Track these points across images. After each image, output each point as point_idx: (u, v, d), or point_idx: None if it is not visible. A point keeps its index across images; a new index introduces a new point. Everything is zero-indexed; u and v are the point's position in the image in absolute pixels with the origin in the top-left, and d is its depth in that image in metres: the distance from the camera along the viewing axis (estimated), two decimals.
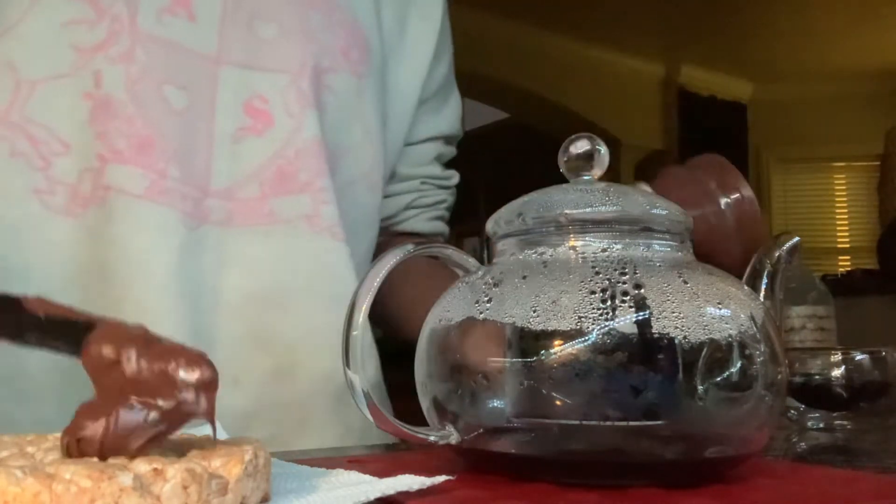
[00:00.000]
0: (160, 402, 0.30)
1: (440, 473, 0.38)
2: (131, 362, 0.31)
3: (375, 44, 0.71)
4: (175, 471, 0.27)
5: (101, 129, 0.57)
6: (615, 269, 0.38)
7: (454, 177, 0.83)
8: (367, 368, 0.67)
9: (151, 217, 0.57)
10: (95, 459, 0.29)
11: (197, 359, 0.32)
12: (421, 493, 0.35)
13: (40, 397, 0.56)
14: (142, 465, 0.27)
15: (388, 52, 0.73)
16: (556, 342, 0.36)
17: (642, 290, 0.37)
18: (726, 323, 0.38)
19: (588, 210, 0.41)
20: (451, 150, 0.84)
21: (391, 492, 0.34)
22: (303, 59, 0.64)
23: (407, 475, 0.35)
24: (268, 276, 0.61)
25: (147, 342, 0.32)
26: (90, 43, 0.58)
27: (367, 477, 0.36)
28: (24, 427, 0.50)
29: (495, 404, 0.39)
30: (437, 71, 0.78)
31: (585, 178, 0.44)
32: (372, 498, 0.33)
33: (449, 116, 0.81)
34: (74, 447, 0.30)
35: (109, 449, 0.29)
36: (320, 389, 0.62)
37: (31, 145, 0.57)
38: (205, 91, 0.60)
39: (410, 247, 0.42)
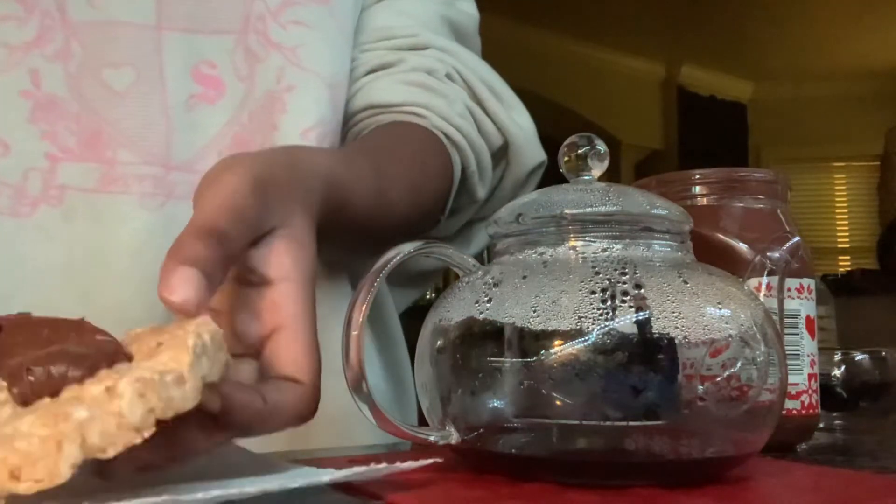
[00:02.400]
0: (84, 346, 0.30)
1: (441, 473, 0.38)
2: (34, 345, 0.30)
3: None
4: (125, 384, 0.27)
5: (49, 128, 0.56)
6: (615, 269, 0.38)
7: (419, 35, 0.66)
8: (396, 353, 0.67)
9: (105, 208, 0.56)
10: (48, 400, 0.28)
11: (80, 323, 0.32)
12: (420, 492, 0.35)
13: None
14: (93, 388, 0.27)
15: None
16: (556, 342, 0.36)
17: (642, 290, 0.37)
18: (726, 323, 0.38)
19: (588, 210, 0.41)
20: (425, 8, 0.68)
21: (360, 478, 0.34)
22: (247, 10, 0.61)
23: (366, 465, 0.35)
24: None
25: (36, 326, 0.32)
26: (21, 40, 0.56)
27: (330, 469, 0.36)
28: None
29: (495, 404, 0.39)
30: None
31: (585, 178, 0.44)
32: (338, 479, 0.33)
33: None
34: (27, 389, 0.29)
35: (58, 383, 0.29)
36: None
37: None
38: (150, 62, 0.58)
39: (411, 247, 0.42)
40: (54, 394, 0.28)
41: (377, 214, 0.55)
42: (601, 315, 0.36)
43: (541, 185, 0.44)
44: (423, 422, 0.42)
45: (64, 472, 0.25)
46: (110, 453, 0.26)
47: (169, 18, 0.58)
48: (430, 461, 0.37)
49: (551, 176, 0.45)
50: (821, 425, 0.65)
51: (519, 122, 0.68)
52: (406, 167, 0.61)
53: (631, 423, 0.36)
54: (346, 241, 0.56)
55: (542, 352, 0.37)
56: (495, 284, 0.40)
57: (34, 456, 0.25)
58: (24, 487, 0.25)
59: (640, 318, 0.37)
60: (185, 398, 0.28)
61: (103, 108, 0.57)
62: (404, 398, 0.69)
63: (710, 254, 0.45)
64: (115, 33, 0.57)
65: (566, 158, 0.44)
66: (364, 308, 0.40)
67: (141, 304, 0.55)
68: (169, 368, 0.28)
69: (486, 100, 0.67)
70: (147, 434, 0.27)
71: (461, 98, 0.66)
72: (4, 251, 0.55)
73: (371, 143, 0.63)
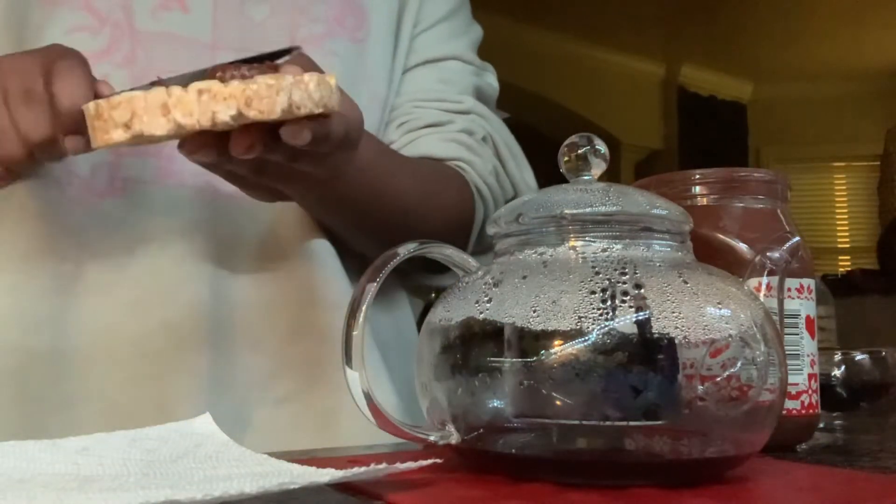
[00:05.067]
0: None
1: (441, 473, 0.38)
2: None
3: (377, 7, 0.73)
4: (310, 76, 0.41)
5: None
6: (615, 269, 0.38)
7: (465, 101, 0.77)
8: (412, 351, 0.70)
9: (164, 198, 0.62)
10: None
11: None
12: (420, 492, 0.35)
13: None
14: (287, 77, 0.41)
15: (402, 8, 0.75)
16: (556, 342, 0.36)
17: (642, 290, 0.37)
18: (726, 323, 0.38)
19: (588, 210, 0.41)
20: (464, 77, 0.78)
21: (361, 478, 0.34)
22: (293, 35, 0.67)
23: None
24: (276, 242, 0.65)
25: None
26: (94, 49, 0.61)
27: (330, 469, 0.36)
28: None
29: (495, 404, 0.39)
30: (430, 5, 0.77)
31: (585, 177, 0.44)
32: (331, 480, 0.34)
33: (447, 41, 0.78)
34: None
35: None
36: (331, 347, 0.63)
37: None
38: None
39: (411, 246, 0.42)
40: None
41: (380, 179, 0.63)
42: (601, 315, 0.36)
43: (541, 185, 0.44)
44: None
45: (277, 110, 0.40)
46: (301, 112, 0.41)
47: (223, 39, 0.65)
48: (430, 461, 0.37)
49: (551, 176, 0.45)
50: (821, 425, 0.65)
51: (527, 181, 0.79)
52: (421, 172, 0.69)
53: (631, 423, 0.36)
54: (350, 202, 0.62)
55: (542, 352, 0.37)
56: (495, 284, 0.40)
57: (261, 93, 0.40)
58: (253, 114, 0.40)
59: (640, 318, 0.37)
60: (335, 101, 0.43)
61: None
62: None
63: (710, 254, 0.45)
64: (174, 46, 0.64)
65: (566, 158, 0.44)
66: (364, 308, 0.40)
67: (193, 285, 0.62)
68: (327, 83, 0.43)
69: (506, 160, 0.78)
70: (321, 109, 0.42)
71: (491, 158, 0.76)
72: (73, 236, 0.61)
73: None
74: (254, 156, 0.44)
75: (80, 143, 0.48)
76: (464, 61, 0.79)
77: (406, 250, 0.42)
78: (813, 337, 0.52)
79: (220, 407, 0.61)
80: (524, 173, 0.80)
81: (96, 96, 0.48)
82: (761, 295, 0.42)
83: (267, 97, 0.39)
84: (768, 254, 0.43)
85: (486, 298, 0.40)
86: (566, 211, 0.41)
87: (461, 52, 0.79)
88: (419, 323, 0.71)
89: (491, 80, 0.83)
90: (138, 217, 0.62)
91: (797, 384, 0.51)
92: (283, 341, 0.64)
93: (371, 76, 0.72)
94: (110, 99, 0.40)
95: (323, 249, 0.66)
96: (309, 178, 0.52)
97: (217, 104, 0.39)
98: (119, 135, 0.40)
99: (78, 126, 0.46)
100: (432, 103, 0.75)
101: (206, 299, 0.62)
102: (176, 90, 0.39)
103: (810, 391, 0.52)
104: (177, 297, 0.61)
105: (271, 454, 0.41)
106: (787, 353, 0.43)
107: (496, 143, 0.78)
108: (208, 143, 0.44)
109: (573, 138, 0.44)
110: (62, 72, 0.49)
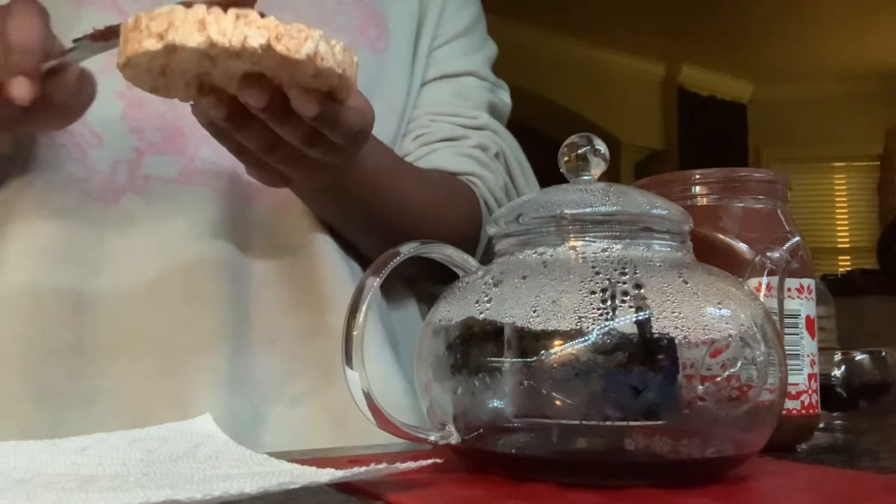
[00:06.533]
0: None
1: (441, 473, 0.38)
2: None
3: (397, 20, 0.75)
4: (337, 41, 0.43)
5: (136, 125, 0.63)
6: (615, 269, 0.38)
7: (480, 117, 0.79)
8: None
9: (186, 197, 0.63)
10: None
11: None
12: (420, 492, 0.35)
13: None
14: (318, 31, 0.42)
15: (421, 22, 0.77)
16: (556, 342, 0.36)
17: (642, 290, 0.37)
18: (726, 323, 0.38)
19: (588, 210, 0.41)
20: (479, 93, 0.80)
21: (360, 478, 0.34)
22: None
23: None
24: (292, 242, 0.66)
25: None
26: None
27: (330, 469, 0.36)
28: None
29: (495, 404, 0.39)
30: (448, 21, 0.80)
31: (585, 177, 0.44)
32: (330, 480, 0.34)
33: (464, 56, 0.81)
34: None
35: None
36: None
37: (69, 137, 0.62)
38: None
39: (413, 245, 0.42)
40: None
41: (388, 185, 0.65)
42: (601, 315, 0.36)
43: (541, 185, 0.44)
44: None
45: (302, 52, 0.41)
46: (323, 65, 0.42)
47: None
48: (430, 461, 0.37)
49: (551, 176, 0.45)
50: (821, 425, 0.65)
51: None
52: (429, 182, 0.71)
53: (631, 423, 0.36)
54: (356, 201, 0.64)
55: (542, 352, 0.37)
56: (495, 284, 0.40)
57: (292, 33, 0.41)
58: (280, 48, 0.41)
59: (640, 318, 0.37)
60: (354, 74, 0.45)
61: (186, 109, 0.61)
62: None
63: (710, 254, 0.45)
64: None
65: (566, 158, 0.44)
66: (364, 308, 0.40)
67: (212, 282, 0.62)
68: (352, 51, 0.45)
69: (517, 176, 0.81)
70: (340, 71, 0.43)
71: (502, 174, 0.79)
72: (91, 232, 0.62)
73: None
74: (261, 105, 0.44)
75: (25, 87, 0.45)
76: (479, 77, 0.81)
77: (407, 249, 0.42)
78: (813, 337, 0.52)
79: (238, 404, 0.61)
80: (532, 189, 0.82)
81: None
82: (761, 295, 0.42)
83: (296, 38, 0.41)
84: (768, 254, 0.43)
85: (486, 298, 0.40)
86: (566, 211, 0.41)
87: (476, 69, 0.81)
88: None
89: (504, 97, 0.85)
90: (158, 214, 0.63)
91: (797, 384, 0.51)
92: (298, 340, 0.65)
93: (389, 86, 0.74)
94: (150, 11, 0.41)
95: (336, 251, 0.67)
96: (317, 165, 0.53)
97: (251, 30, 0.40)
98: (151, 44, 0.40)
99: (28, 69, 0.45)
100: (448, 118, 0.77)
101: (225, 296, 0.62)
102: (216, 10, 0.41)
103: (810, 391, 0.52)
104: (196, 293, 0.62)
105: (283, 453, 0.41)
106: (787, 353, 0.43)
107: (507, 160, 0.80)
108: (224, 100, 0.46)
109: (573, 138, 0.44)
110: (15, 12, 0.47)
